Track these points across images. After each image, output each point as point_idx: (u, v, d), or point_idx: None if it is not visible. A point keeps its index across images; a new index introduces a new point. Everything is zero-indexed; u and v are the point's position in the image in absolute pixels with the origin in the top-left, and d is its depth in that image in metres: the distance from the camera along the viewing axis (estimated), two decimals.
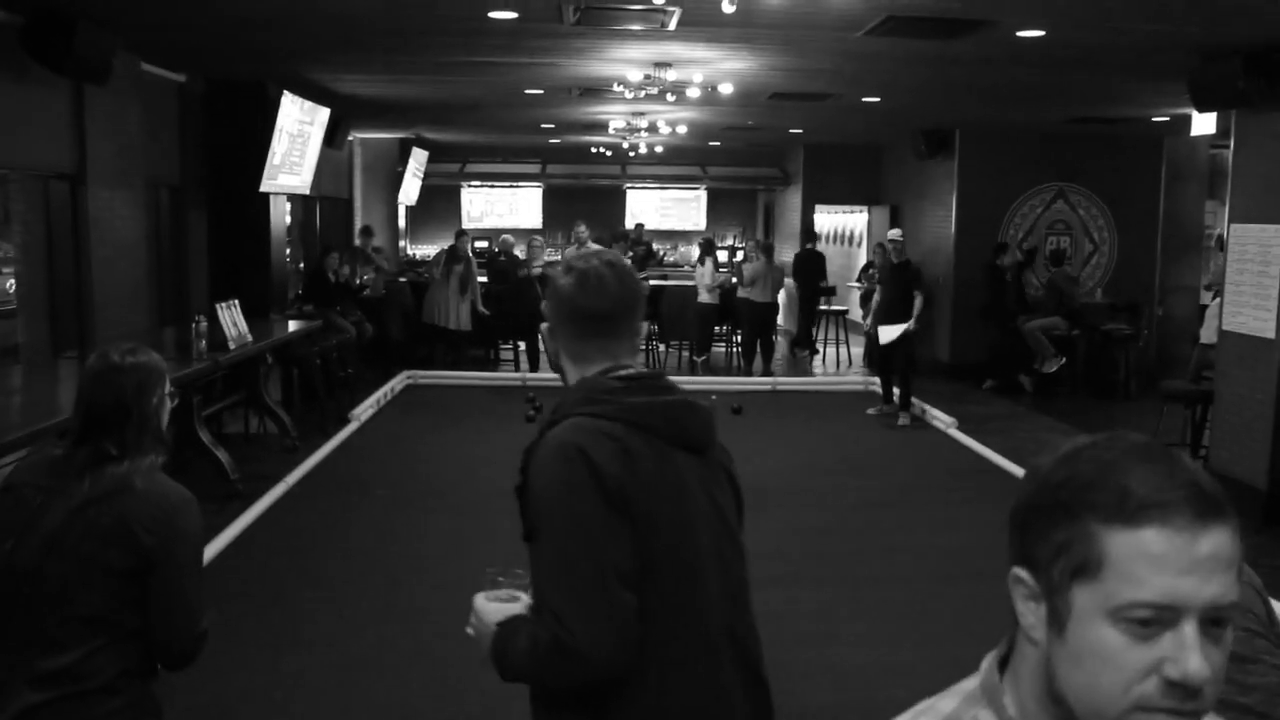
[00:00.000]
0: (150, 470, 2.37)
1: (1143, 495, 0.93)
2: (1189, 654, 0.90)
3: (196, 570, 2.40)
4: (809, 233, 15.58)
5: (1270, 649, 1.17)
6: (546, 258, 13.60)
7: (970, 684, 1.08)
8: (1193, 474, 0.94)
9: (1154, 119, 11.32)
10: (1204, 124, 9.59)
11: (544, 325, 2.05)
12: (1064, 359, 11.68)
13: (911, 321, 10.05)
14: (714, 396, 9.70)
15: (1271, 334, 7.21)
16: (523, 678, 1.87)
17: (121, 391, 2.38)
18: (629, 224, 19.23)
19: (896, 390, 10.39)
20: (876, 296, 10.80)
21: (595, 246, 11.77)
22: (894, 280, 10.36)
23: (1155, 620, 0.91)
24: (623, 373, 1.96)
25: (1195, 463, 0.97)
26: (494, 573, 2.01)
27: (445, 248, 13.30)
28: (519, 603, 1.94)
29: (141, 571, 2.29)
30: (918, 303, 10.07)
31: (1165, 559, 0.91)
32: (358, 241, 13.93)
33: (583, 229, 11.93)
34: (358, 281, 12.37)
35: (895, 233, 10.95)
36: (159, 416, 2.46)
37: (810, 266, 14.65)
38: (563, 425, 1.88)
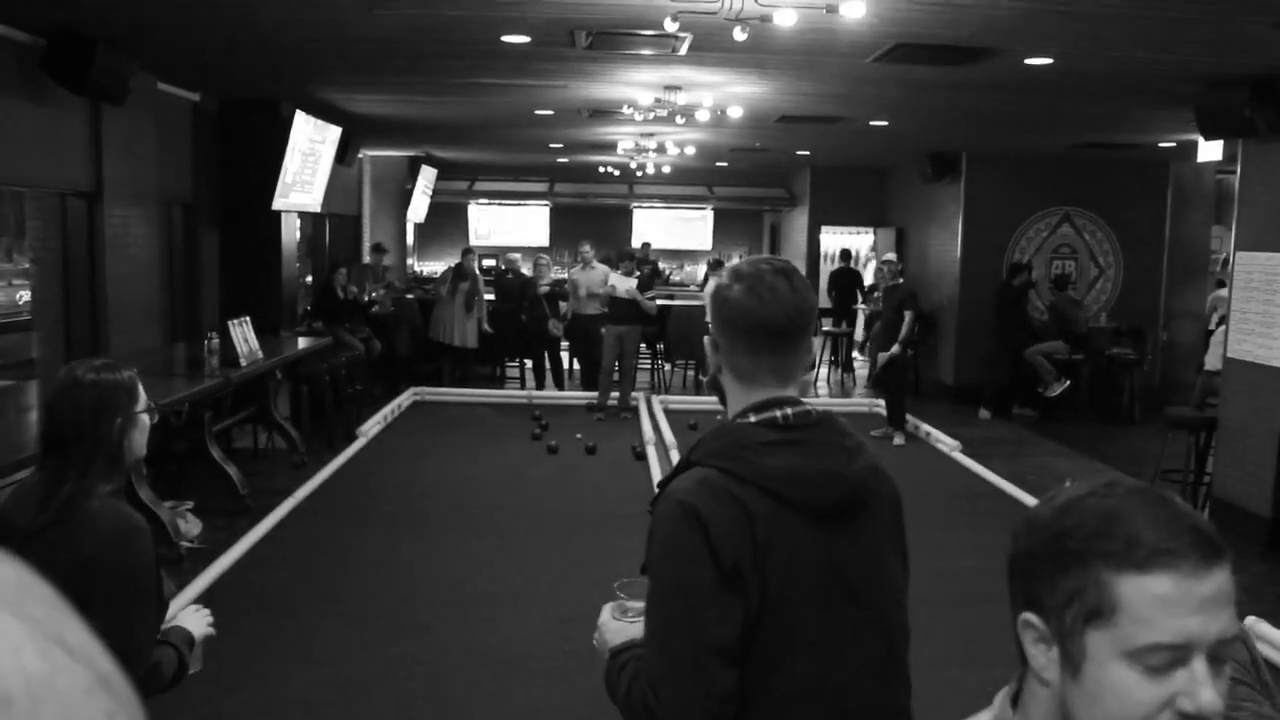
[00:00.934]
0: (102, 498, 2.22)
1: (1151, 542, 0.97)
2: (1202, 688, 0.96)
3: (144, 602, 2.24)
4: (844, 252, 15.71)
5: (1251, 695, 1.22)
6: (553, 275, 13.63)
7: (984, 718, 1.13)
8: (1192, 518, 1.00)
9: (1160, 144, 11.35)
10: (1211, 150, 9.63)
11: (705, 339, 1.83)
12: (1068, 381, 11.69)
13: (895, 347, 10.15)
14: (694, 424, 9.77)
15: (1277, 362, 7.24)
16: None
17: (80, 411, 2.23)
18: (635, 243, 19.29)
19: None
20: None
21: (601, 266, 11.83)
22: (885, 302, 10.73)
23: (1169, 659, 0.97)
24: (778, 414, 1.75)
25: (1188, 505, 1.03)
26: (620, 584, 1.93)
27: (452, 265, 13.37)
28: (640, 623, 1.83)
29: (88, 602, 2.14)
30: (905, 324, 10.14)
31: (1176, 602, 0.96)
32: (369, 258, 13.99)
33: (587, 248, 11.90)
34: (366, 298, 12.43)
35: (889, 256, 11.12)
36: (122, 439, 2.28)
37: (844, 283, 14.88)
38: (690, 475, 1.72)
